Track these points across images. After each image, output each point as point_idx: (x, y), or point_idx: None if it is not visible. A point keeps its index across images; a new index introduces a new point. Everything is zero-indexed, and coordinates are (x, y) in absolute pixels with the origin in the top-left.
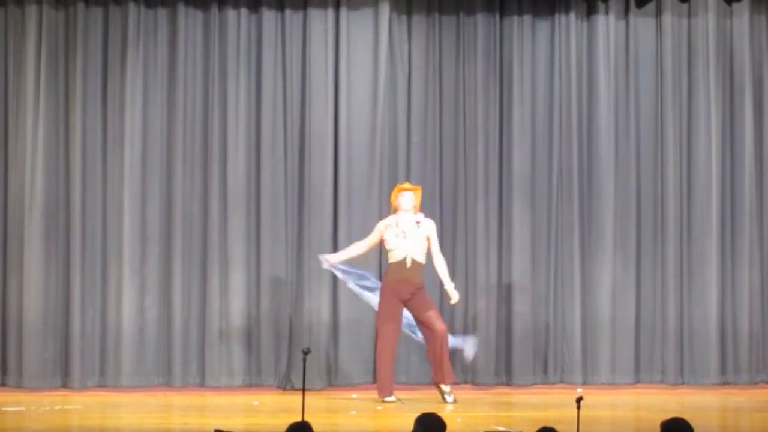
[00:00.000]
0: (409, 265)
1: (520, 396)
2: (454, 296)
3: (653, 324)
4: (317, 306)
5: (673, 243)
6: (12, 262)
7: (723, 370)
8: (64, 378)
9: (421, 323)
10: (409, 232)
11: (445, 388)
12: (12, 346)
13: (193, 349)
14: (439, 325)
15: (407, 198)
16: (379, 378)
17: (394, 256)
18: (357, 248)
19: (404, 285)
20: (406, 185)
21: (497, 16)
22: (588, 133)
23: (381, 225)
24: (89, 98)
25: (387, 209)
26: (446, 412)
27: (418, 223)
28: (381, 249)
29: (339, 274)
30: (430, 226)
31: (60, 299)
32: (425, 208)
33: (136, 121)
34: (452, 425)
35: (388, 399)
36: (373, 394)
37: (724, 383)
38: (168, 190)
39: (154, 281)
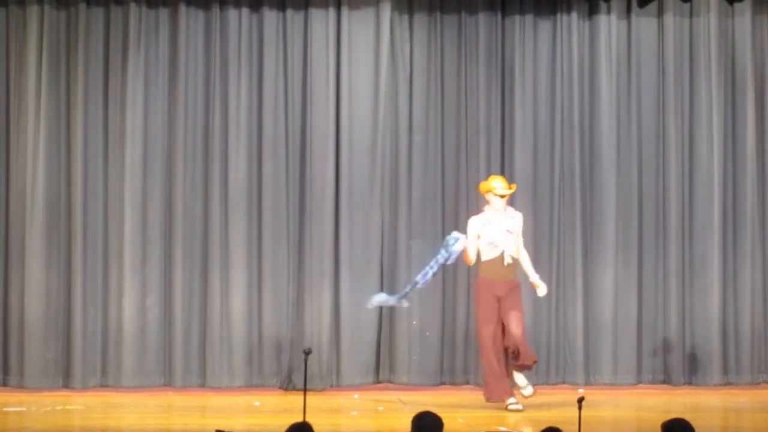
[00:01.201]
0: (507, 261)
1: (521, 396)
2: (542, 287)
3: (655, 324)
4: (318, 306)
5: (675, 243)
6: (13, 262)
7: (725, 370)
8: (65, 378)
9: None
10: (507, 228)
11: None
12: (13, 346)
13: (194, 350)
14: (514, 328)
15: (501, 201)
16: (487, 383)
17: (490, 253)
18: (471, 250)
19: (500, 282)
20: (503, 190)
21: (499, 15)
22: (590, 133)
23: (476, 222)
24: (90, 98)
25: (388, 210)
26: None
27: (512, 218)
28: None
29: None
30: (520, 220)
31: (61, 299)
32: (427, 208)
33: (137, 121)
34: (454, 425)
35: (511, 405)
36: (375, 395)
37: (726, 384)
38: (169, 190)
39: (156, 281)
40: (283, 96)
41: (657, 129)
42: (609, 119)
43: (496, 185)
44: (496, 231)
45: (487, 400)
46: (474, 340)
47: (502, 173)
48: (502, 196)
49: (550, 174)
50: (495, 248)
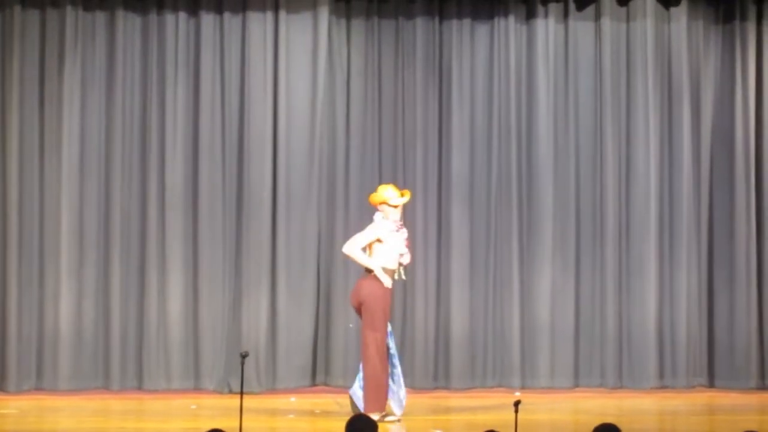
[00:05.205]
0: (398, 277)
1: (458, 400)
2: None
3: (592, 328)
4: (255, 309)
5: (612, 247)
6: None
7: (661, 374)
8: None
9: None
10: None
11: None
12: None
13: (131, 353)
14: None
15: (399, 212)
16: (377, 392)
17: (392, 263)
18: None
19: (390, 295)
20: (399, 199)
21: (436, 20)
22: (527, 137)
23: (387, 226)
24: (26, 101)
25: (326, 214)
26: None
27: (405, 232)
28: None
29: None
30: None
31: None
32: (364, 212)
33: (74, 125)
34: (389, 430)
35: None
36: (312, 398)
37: (662, 387)
38: (106, 193)
39: (92, 284)
40: (221, 99)
41: (594, 133)
42: (546, 123)
43: (391, 195)
44: (401, 243)
45: (379, 410)
46: (411, 342)
47: (440, 176)
48: (396, 206)
49: (487, 178)
50: (396, 261)
